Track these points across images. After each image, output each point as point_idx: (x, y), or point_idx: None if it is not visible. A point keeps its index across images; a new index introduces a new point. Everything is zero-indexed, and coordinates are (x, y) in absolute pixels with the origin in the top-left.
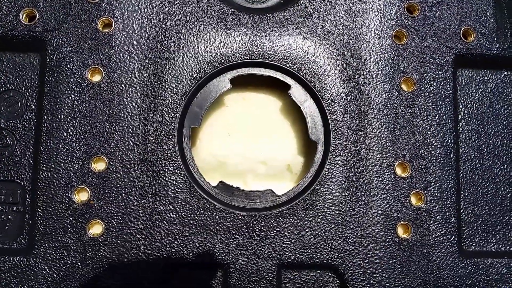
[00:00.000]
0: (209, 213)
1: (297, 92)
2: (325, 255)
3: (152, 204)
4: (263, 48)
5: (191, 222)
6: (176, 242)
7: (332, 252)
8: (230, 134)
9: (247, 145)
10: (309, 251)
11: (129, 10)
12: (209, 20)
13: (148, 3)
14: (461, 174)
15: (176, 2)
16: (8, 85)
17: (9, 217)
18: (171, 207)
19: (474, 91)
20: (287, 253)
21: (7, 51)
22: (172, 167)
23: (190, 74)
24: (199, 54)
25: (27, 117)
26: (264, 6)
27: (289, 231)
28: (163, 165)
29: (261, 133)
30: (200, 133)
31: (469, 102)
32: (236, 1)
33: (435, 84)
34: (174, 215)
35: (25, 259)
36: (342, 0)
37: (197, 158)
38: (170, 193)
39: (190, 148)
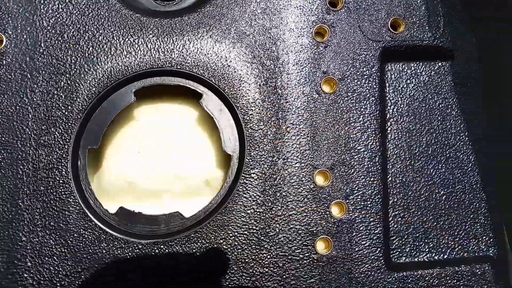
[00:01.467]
0: (105, 245)
1: (210, 101)
2: (235, 281)
3: (41, 239)
4: (171, 54)
5: (85, 256)
6: (67, 280)
7: (244, 277)
8: (140, 150)
9: (160, 161)
10: (219, 278)
11: (22, 24)
12: (110, 27)
13: (44, 15)
14: (390, 178)
15: (75, 12)
16: None
17: None
18: (62, 240)
19: (405, 86)
20: (195, 282)
21: None
22: (64, 196)
23: (88, 89)
24: (98, 66)
25: None
26: (178, 8)
27: (196, 257)
28: (54, 194)
29: (176, 147)
30: (106, 153)
31: (399, 99)
32: (146, 5)
33: (358, 82)
34: (66, 250)
35: None
36: None
37: (102, 181)
38: (61, 225)
39: (86, 172)
